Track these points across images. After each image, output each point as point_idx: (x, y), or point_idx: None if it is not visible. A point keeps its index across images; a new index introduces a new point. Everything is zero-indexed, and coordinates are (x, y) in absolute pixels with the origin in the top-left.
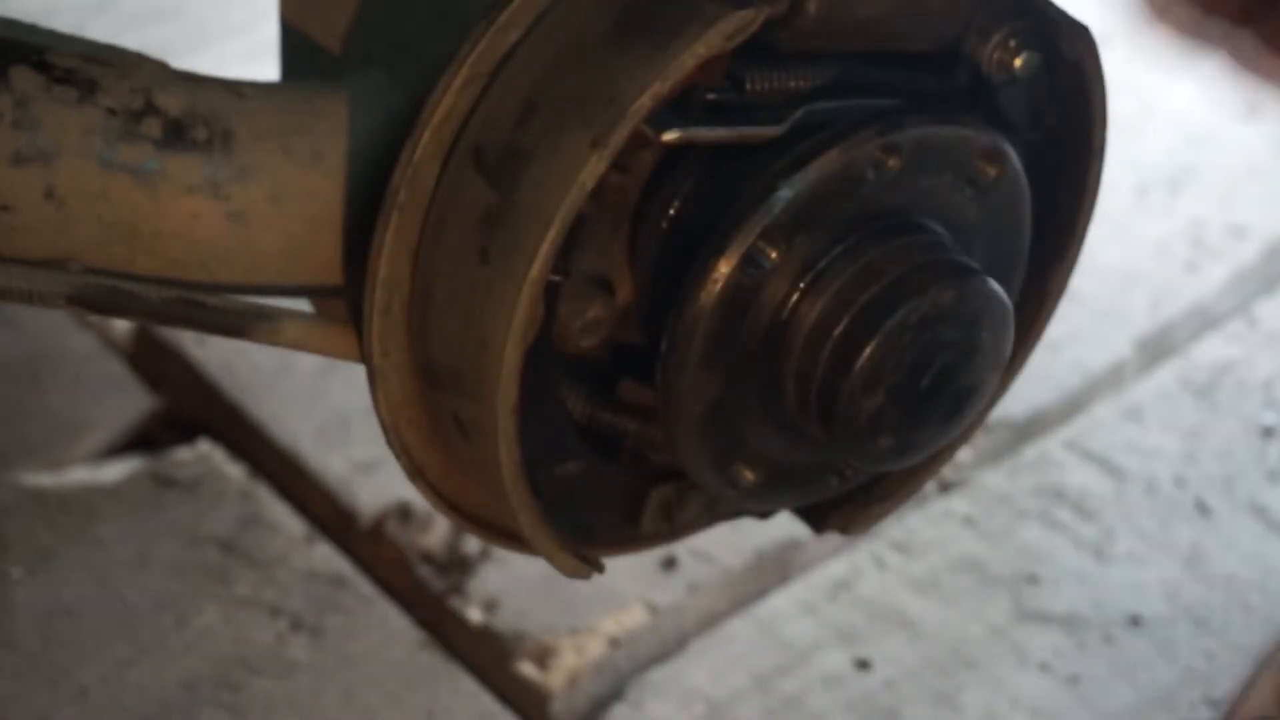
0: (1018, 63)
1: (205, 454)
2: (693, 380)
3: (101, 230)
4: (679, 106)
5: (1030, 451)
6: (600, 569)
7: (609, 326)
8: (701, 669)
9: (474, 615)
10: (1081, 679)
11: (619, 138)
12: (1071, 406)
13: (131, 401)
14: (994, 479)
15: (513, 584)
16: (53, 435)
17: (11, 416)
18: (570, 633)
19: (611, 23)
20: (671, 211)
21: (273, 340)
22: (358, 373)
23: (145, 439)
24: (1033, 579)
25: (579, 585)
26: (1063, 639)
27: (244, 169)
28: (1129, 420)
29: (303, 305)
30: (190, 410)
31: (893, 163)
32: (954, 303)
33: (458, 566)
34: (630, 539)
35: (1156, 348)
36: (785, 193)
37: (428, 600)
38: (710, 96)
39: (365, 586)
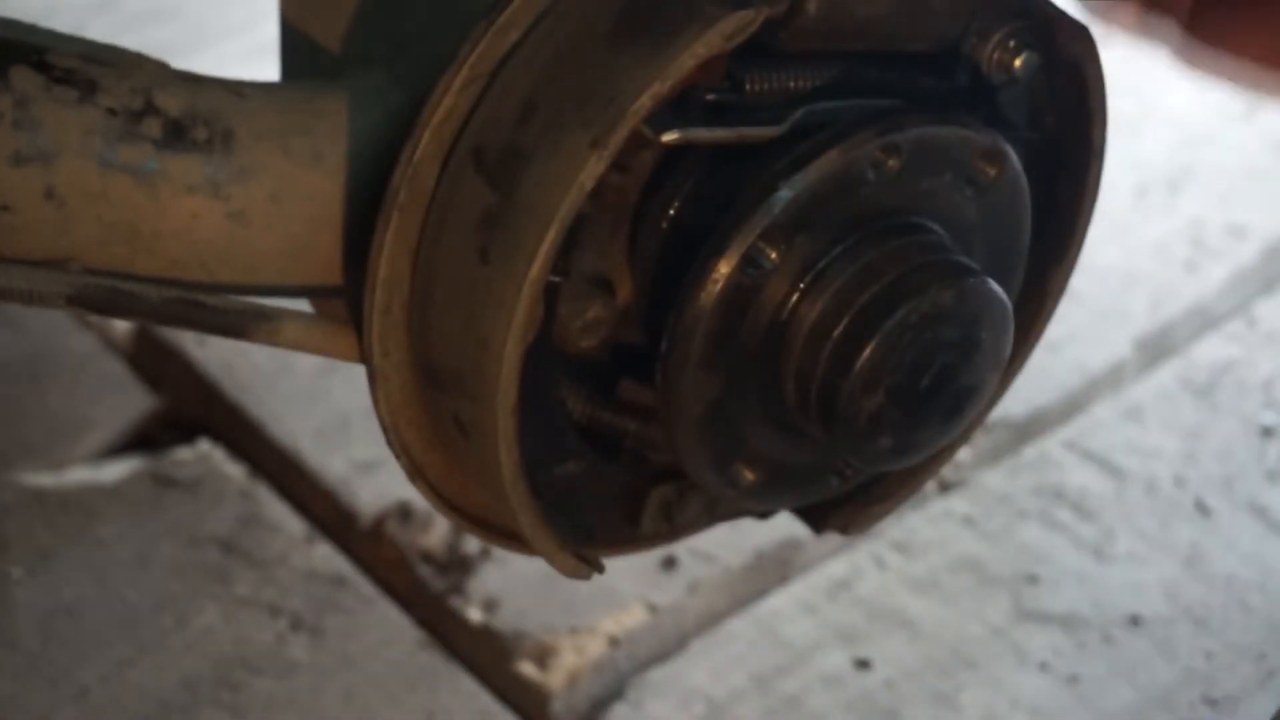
0: (1017, 63)
1: (205, 454)
2: (693, 380)
3: (102, 230)
4: (679, 107)
5: (1030, 451)
6: (600, 569)
7: (609, 326)
8: (701, 669)
9: (474, 615)
10: (1081, 679)
11: (619, 138)
12: (1071, 406)
13: (132, 401)
14: (994, 479)
15: (513, 584)
16: (53, 435)
17: (12, 416)
18: (570, 632)
19: (611, 23)
20: (671, 211)
21: (273, 340)
22: (358, 373)
23: (145, 439)
24: (1032, 579)
25: (579, 585)
26: (1062, 639)
27: (244, 169)
28: (1129, 420)
29: (303, 305)
30: (190, 410)
31: (893, 163)
32: (954, 303)
33: (458, 566)
34: (630, 539)
35: (1156, 348)
36: (785, 193)
37: (428, 600)
38: (710, 97)
39: (365, 586)
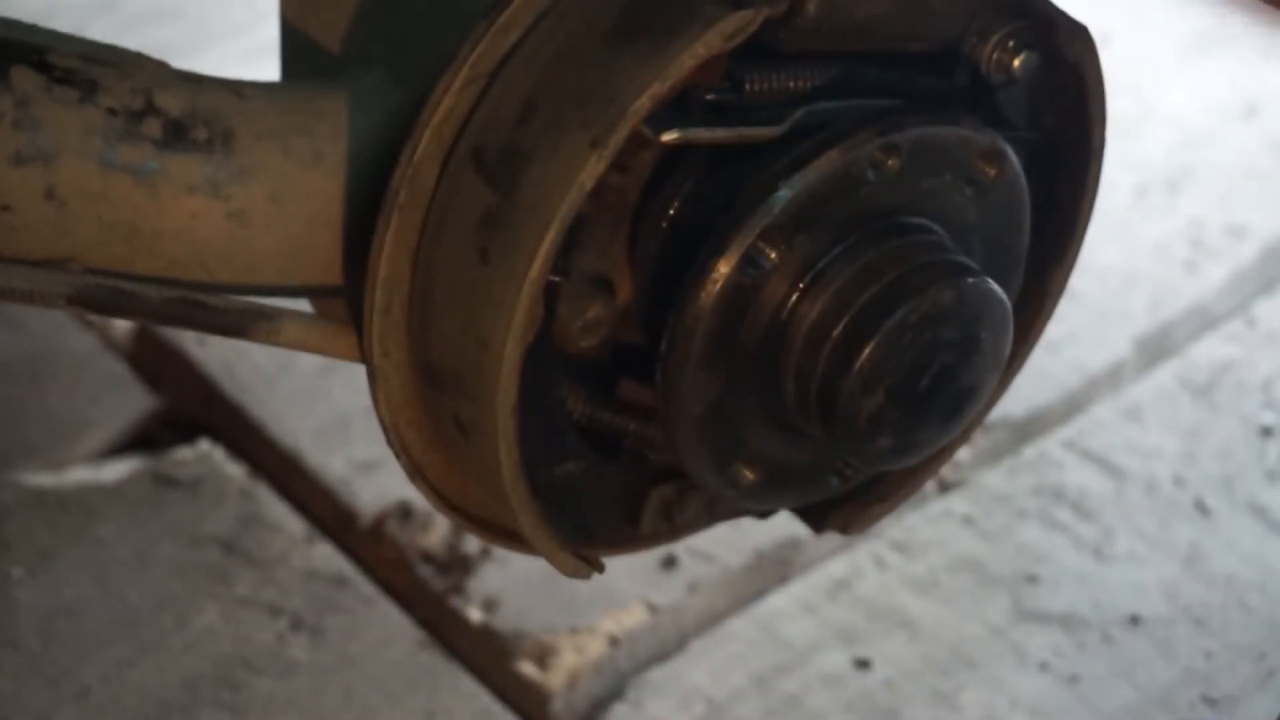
0: (1017, 63)
1: (205, 454)
2: (693, 380)
3: (102, 230)
4: (679, 107)
5: (1030, 451)
6: (600, 569)
7: (609, 326)
8: (701, 668)
9: (474, 615)
10: (1081, 678)
11: (619, 138)
12: (1071, 406)
13: (132, 401)
14: (993, 479)
15: (513, 583)
16: (53, 435)
17: (12, 416)
18: (570, 632)
19: (611, 23)
20: (671, 211)
21: (273, 340)
22: (358, 373)
23: (146, 439)
24: (1032, 579)
25: (579, 585)
26: (1062, 639)
27: (244, 169)
28: (1128, 420)
29: (303, 305)
30: (190, 410)
31: (892, 163)
32: (953, 303)
33: (458, 566)
34: (630, 539)
35: (1156, 348)
36: (785, 193)
37: (428, 600)
38: (710, 97)
39: (365, 586)
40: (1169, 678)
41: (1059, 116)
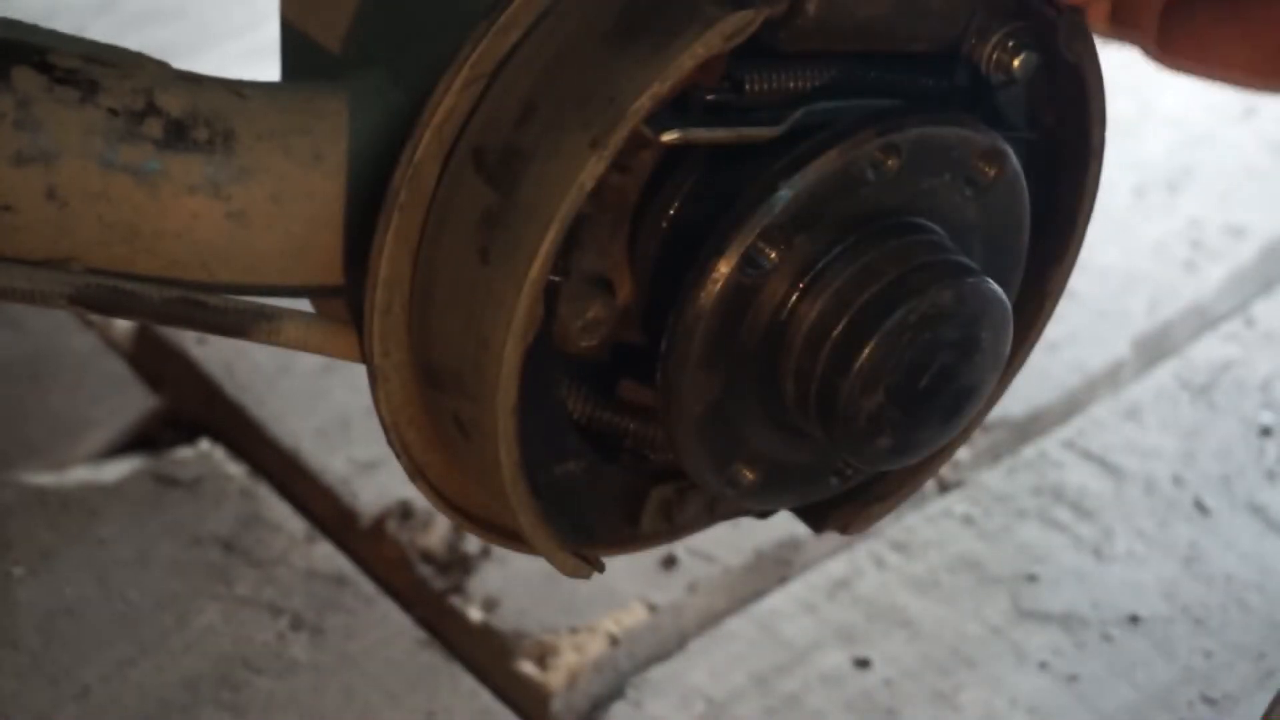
0: (1016, 63)
1: (206, 453)
2: (693, 380)
3: (103, 230)
4: (679, 107)
5: (1029, 451)
6: (600, 568)
7: (609, 326)
8: (701, 668)
9: (474, 614)
10: (1080, 678)
11: (619, 138)
12: (1070, 406)
13: (133, 401)
14: (993, 478)
15: (513, 583)
16: (54, 435)
17: (13, 416)
18: (570, 632)
19: (611, 23)
20: (671, 211)
21: (273, 340)
22: (358, 373)
23: (146, 439)
24: (1031, 578)
25: (579, 584)
26: (1061, 638)
27: (245, 169)
28: (1128, 420)
29: (304, 305)
30: (191, 410)
31: (892, 163)
32: (953, 303)
33: (458, 565)
34: (630, 539)
35: (1155, 348)
36: (785, 193)
37: (428, 599)
38: (710, 97)
39: (366, 586)
40: (1168, 677)
41: (1059, 116)
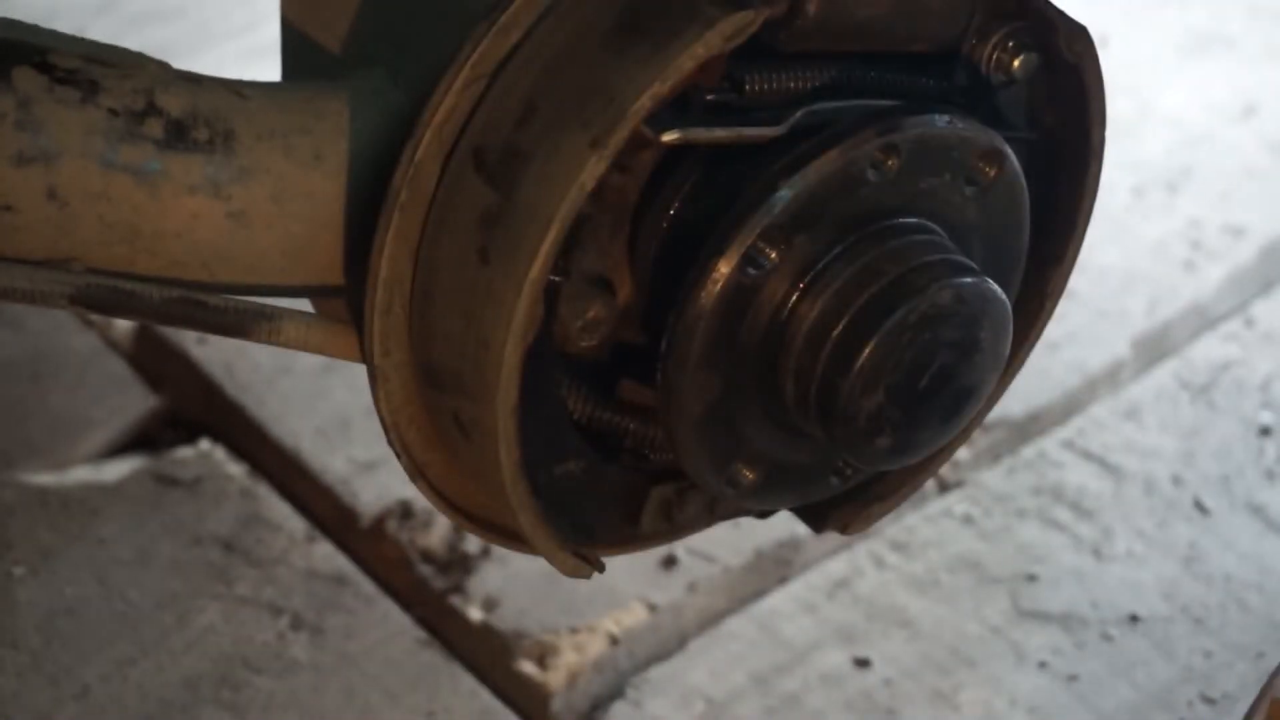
0: (1016, 64)
1: (206, 453)
2: (693, 380)
3: (103, 230)
4: (679, 107)
5: (1029, 451)
6: (600, 568)
7: (609, 326)
8: (701, 667)
9: (474, 614)
10: (1080, 678)
11: (619, 138)
12: (1070, 406)
13: (133, 401)
14: (993, 478)
15: (513, 583)
16: (55, 435)
17: (14, 416)
18: (570, 631)
19: (611, 23)
20: (671, 211)
21: (274, 340)
22: (358, 373)
23: (147, 438)
24: (1031, 578)
25: (579, 584)
26: (1061, 638)
27: (245, 169)
28: (1127, 420)
29: (304, 305)
30: (191, 410)
31: (892, 163)
32: (953, 303)
33: (458, 565)
34: (630, 538)
35: (1155, 348)
36: (785, 193)
37: (428, 599)
38: (710, 97)
39: (366, 585)
40: (1168, 677)
41: (1058, 117)
